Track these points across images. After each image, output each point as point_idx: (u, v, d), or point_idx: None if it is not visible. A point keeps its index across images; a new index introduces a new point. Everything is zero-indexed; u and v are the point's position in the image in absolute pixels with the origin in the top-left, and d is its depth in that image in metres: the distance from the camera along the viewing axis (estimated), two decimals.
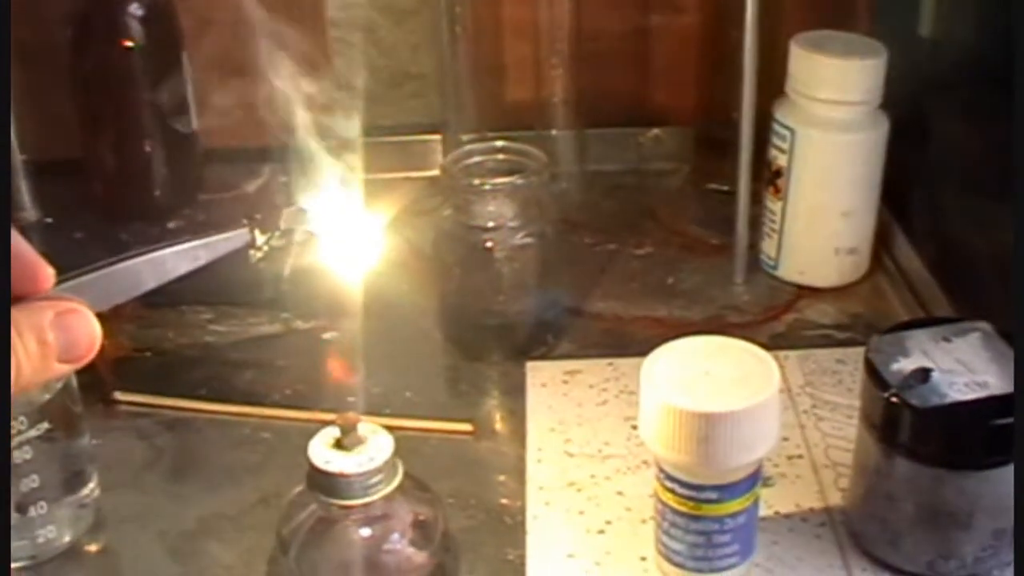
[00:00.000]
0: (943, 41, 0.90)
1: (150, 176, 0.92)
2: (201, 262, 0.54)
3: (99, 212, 0.93)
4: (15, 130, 0.92)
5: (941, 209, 0.87)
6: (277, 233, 0.56)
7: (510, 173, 0.76)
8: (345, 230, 0.59)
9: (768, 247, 0.87)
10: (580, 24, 0.89)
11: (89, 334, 0.46)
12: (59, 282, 0.47)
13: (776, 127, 0.84)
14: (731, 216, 0.85)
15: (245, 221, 0.55)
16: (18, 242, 0.47)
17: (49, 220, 0.95)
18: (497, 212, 0.75)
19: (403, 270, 0.88)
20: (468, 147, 0.77)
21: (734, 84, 0.81)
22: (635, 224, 0.94)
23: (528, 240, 0.76)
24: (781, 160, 0.84)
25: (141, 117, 0.91)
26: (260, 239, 0.55)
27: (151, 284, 0.52)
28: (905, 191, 0.89)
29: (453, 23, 0.92)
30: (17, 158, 0.94)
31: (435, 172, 0.97)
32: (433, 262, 0.82)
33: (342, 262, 0.60)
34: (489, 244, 0.75)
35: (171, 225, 0.91)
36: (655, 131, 1.01)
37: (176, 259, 0.53)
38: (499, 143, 0.77)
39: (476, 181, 0.75)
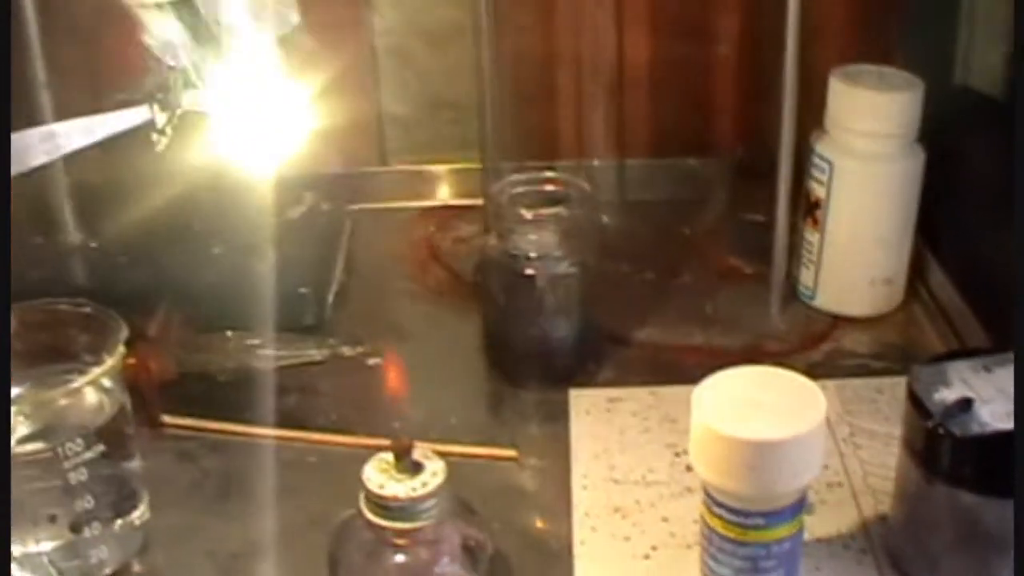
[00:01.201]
0: (976, 72, 0.91)
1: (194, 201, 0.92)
2: (97, 137, 0.53)
3: (142, 235, 0.93)
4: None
5: (974, 239, 0.88)
6: (177, 112, 0.55)
7: (554, 203, 0.77)
8: (245, 117, 0.57)
9: (805, 277, 0.88)
10: (622, 54, 0.89)
11: None
12: None
13: (815, 159, 0.85)
14: (768, 245, 0.86)
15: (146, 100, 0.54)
16: None
17: (93, 244, 0.95)
18: (541, 241, 0.76)
19: (445, 296, 0.90)
20: (513, 176, 0.79)
21: (772, 115, 0.82)
22: (673, 253, 0.95)
23: (571, 269, 0.77)
24: (819, 192, 0.85)
25: None
26: (160, 118, 0.54)
27: (43, 158, 0.51)
28: (939, 221, 0.90)
29: (492, 50, 0.93)
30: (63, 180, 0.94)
31: (475, 200, 0.98)
32: (476, 289, 0.83)
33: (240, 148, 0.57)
34: (533, 272, 0.76)
35: (215, 250, 0.90)
36: (694, 160, 1.02)
37: (71, 133, 0.52)
38: (544, 173, 0.79)
39: (522, 210, 0.76)
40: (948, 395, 0.61)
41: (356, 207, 1.00)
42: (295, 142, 0.59)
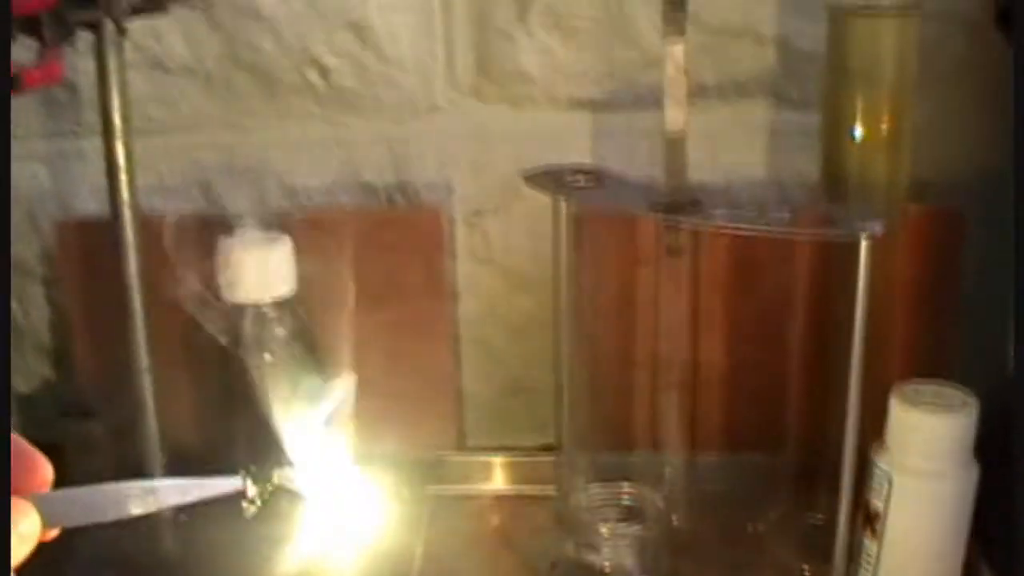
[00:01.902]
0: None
1: None
2: (190, 498, 0.56)
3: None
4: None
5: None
6: (269, 487, 0.58)
7: (630, 517, 0.82)
8: (336, 499, 0.60)
9: None
10: (696, 355, 0.95)
11: (29, 515, 0.49)
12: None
13: (875, 471, 0.89)
14: (826, 547, 0.91)
15: (240, 470, 0.58)
16: (17, 440, 0.50)
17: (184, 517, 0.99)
18: (616, 555, 0.81)
19: None
20: (592, 489, 0.84)
21: (837, 421, 0.86)
22: (735, 548, 0.99)
23: None
24: (878, 504, 0.89)
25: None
26: (251, 490, 0.58)
27: (139, 510, 0.54)
28: (989, 525, 0.94)
29: (571, 343, 0.98)
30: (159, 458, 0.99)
31: (547, 486, 1.03)
32: None
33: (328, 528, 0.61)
34: None
35: None
36: (761, 458, 1.07)
37: (167, 491, 0.55)
38: (621, 487, 0.84)
39: (602, 529, 0.81)
40: None
41: (435, 488, 1.04)
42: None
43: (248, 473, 0.58)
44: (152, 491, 0.54)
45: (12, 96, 0.81)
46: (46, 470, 0.51)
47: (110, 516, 0.53)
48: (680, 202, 0.87)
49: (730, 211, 0.86)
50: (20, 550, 0.49)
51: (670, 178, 0.87)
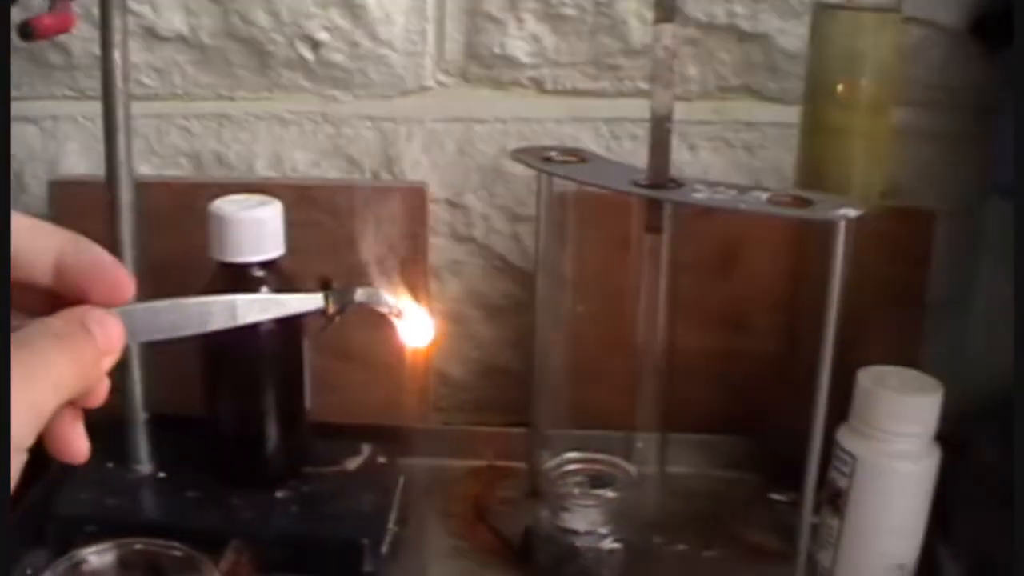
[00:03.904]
0: (987, 372, 0.99)
1: (263, 446, 0.99)
2: (270, 315, 0.57)
3: (212, 473, 1.00)
4: (142, 386, 1.00)
5: (982, 528, 0.95)
6: (350, 306, 0.60)
7: (603, 483, 0.84)
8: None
9: (824, 558, 0.94)
10: (672, 342, 0.97)
11: (117, 325, 0.50)
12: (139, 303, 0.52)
13: (839, 452, 0.92)
14: (791, 525, 0.93)
15: (322, 287, 0.59)
16: (101, 255, 0.51)
17: (163, 475, 1.01)
18: (590, 519, 0.83)
19: (491, 555, 0.96)
20: (567, 455, 0.86)
21: (800, 405, 0.89)
22: (703, 526, 1.01)
23: (615, 545, 0.84)
24: (842, 483, 0.92)
25: (261, 390, 0.98)
26: (332, 307, 0.59)
27: (218, 325, 0.55)
28: (948, 510, 0.96)
29: (548, 327, 1.00)
30: (140, 415, 1.01)
31: (519, 462, 1.05)
32: (523, 555, 0.90)
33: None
34: (581, 547, 0.83)
35: (279, 495, 0.97)
36: (730, 439, 1.10)
37: (247, 306, 0.56)
38: (595, 455, 0.86)
39: (575, 491, 0.83)
40: None
41: (408, 461, 1.06)
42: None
43: (328, 291, 0.59)
44: (232, 306, 0.55)
45: (25, 43, 0.82)
46: (129, 285, 0.51)
47: (191, 330, 0.54)
48: (661, 181, 0.89)
49: (710, 190, 0.88)
50: (106, 362, 0.50)
51: (653, 159, 0.89)
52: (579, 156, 0.95)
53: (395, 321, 0.63)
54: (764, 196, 0.87)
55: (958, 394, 0.91)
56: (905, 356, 0.96)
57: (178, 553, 0.76)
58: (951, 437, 0.92)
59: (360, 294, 0.61)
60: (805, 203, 0.86)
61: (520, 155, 0.95)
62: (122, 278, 0.51)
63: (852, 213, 0.83)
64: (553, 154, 0.95)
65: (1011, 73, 0.96)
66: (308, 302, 0.59)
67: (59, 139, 1.12)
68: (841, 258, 0.83)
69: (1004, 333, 0.95)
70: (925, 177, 1.09)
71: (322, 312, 0.59)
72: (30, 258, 0.51)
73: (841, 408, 0.91)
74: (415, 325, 0.63)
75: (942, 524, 0.96)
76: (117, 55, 0.92)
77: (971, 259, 1.07)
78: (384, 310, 0.62)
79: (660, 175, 0.89)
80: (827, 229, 0.83)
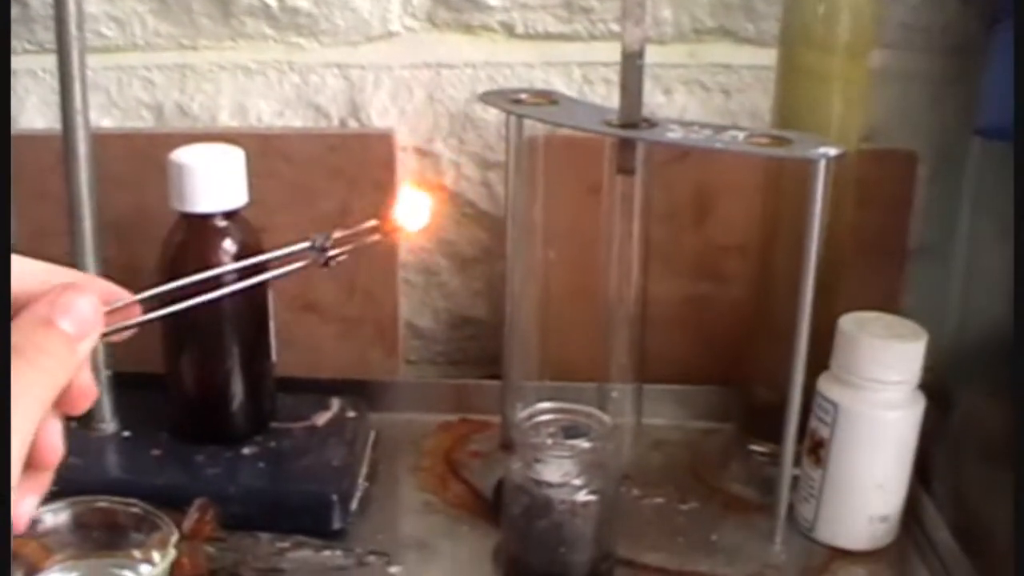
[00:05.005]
0: (969, 321, 0.97)
1: (228, 402, 0.96)
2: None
3: (176, 431, 0.97)
4: (102, 345, 0.97)
5: (965, 480, 0.93)
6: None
7: (576, 433, 0.82)
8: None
9: (805, 510, 0.92)
10: (645, 291, 0.95)
11: (91, 302, 0.49)
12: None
13: (820, 400, 0.90)
14: (771, 477, 0.91)
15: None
16: (97, 281, 0.52)
17: (127, 434, 0.98)
18: (564, 470, 0.81)
19: (463, 509, 0.94)
20: (540, 405, 0.83)
21: (783, 354, 0.87)
22: (681, 479, 0.99)
23: (591, 497, 0.81)
24: (823, 432, 0.90)
25: (224, 346, 0.95)
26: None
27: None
28: (932, 462, 0.95)
29: (519, 275, 0.98)
30: (102, 373, 0.98)
31: (491, 415, 1.03)
32: (496, 508, 0.88)
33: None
34: (555, 499, 0.81)
35: (245, 451, 0.95)
36: (706, 390, 1.08)
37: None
38: (569, 405, 0.83)
39: (548, 441, 0.81)
40: None
41: (378, 416, 1.04)
42: None
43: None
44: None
45: None
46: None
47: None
48: (634, 120, 0.87)
49: (685, 130, 0.86)
50: (84, 346, 0.49)
51: (625, 98, 0.86)
52: (549, 98, 0.93)
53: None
54: (741, 136, 0.84)
55: (939, 343, 0.89)
56: (886, 304, 0.94)
57: (136, 511, 0.74)
58: (932, 387, 0.90)
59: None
60: (784, 142, 0.83)
61: (489, 97, 0.93)
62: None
63: (832, 152, 0.80)
64: (523, 96, 0.92)
65: (995, 18, 0.94)
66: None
67: (18, 94, 1.09)
68: (821, 199, 0.81)
69: (985, 281, 0.93)
70: (905, 120, 1.07)
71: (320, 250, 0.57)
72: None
73: (818, 357, 0.88)
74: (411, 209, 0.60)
75: (925, 476, 0.94)
76: (71, 2, 0.88)
77: (953, 204, 1.05)
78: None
79: (632, 114, 0.87)
80: (806, 170, 0.81)
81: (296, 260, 0.57)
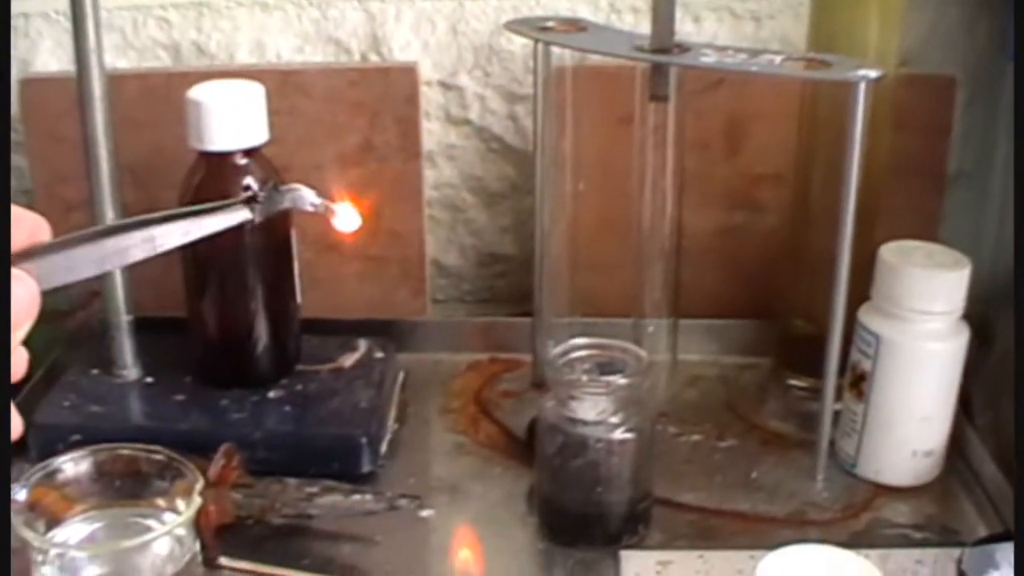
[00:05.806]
0: (1006, 248, 0.94)
1: (252, 345, 0.94)
2: (191, 237, 0.56)
3: (199, 376, 0.95)
4: (123, 289, 0.95)
5: (1009, 412, 0.90)
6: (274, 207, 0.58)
7: (612, 370, 0.79)
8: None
9: (847, 446, 0.90)
10: (680, 222, 0.92)
11: (28, 289, 0.49)
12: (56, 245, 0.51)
13: (861, 332, 0.87)
14: (811, 412, 0.89)
15: (244, 198, 0.58)
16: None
17: (149, 380, 0.96)
18: (599, 407, 0.78)
19: (495, 450, 0.92)
20: (573, 341, 0.81)
21: (822, 285, 0.84)
22: (718, 416, 0.97)
23: (627, 435, 0.79)
24: (865, 365, 0.87)
25: (247, 287, 0.93)
26: (258, 218, 0.58)
27: (139, 257, 0.54)
28: (974, 394, 0.92)
29: (549, 210, 0.95)
30: (123, 318, 0.96)
31: (522, 354, 1.01)
32: (529, 448, 0.85)
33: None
34: (590, 437, 0.78)
35: (271, 395, 0.93)
36: (744, 324, 1.05)
37: (167, 234, 0.55)
38: (604, 340, 0.81)
39: (584, 378, 0.78)
40: None
41: (406, 356, 1.01)
42: None
43: (252, 200, 0.57)
44: (151, 237, 0.54)
45: None
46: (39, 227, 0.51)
47: (110, 266, 0.54)
48: (667, 45, 0.84)
49: (719, 54, 0.83)
50: (18, 335, 0.48)
51: (656, 22, 0.83)
52: (578, 26, 0.90)
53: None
54: (777, 60, 0.81)
55: (978, 271, 0.87)
56: (923, 232, 0.91)
57: (160, 458, 0.72)
58: (970, 317, 0.87)
59: (286, 199, 0.59)
60: (822, 65, 0.80)
61: (515, 26, 0.90)
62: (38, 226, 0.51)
63: (872, 74, 0.78)
64: (550, 24, 0.89)
65: None
66: (232, 218, 0.57)
67: (32, 37, 1.07)
68: (861, 123, 0.78)
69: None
70: (942, 45, 1.04)
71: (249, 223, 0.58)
72: None
73: (856, 287, 0.85)
74: (344, 217, 0.60)
75: (970, 411, 0.92)
76: None
77: (990, 130, 1.02)
78: (311, 209, 0.60)
79: (665, 39, 0.84)
80: (843, 95, 0.78)
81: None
